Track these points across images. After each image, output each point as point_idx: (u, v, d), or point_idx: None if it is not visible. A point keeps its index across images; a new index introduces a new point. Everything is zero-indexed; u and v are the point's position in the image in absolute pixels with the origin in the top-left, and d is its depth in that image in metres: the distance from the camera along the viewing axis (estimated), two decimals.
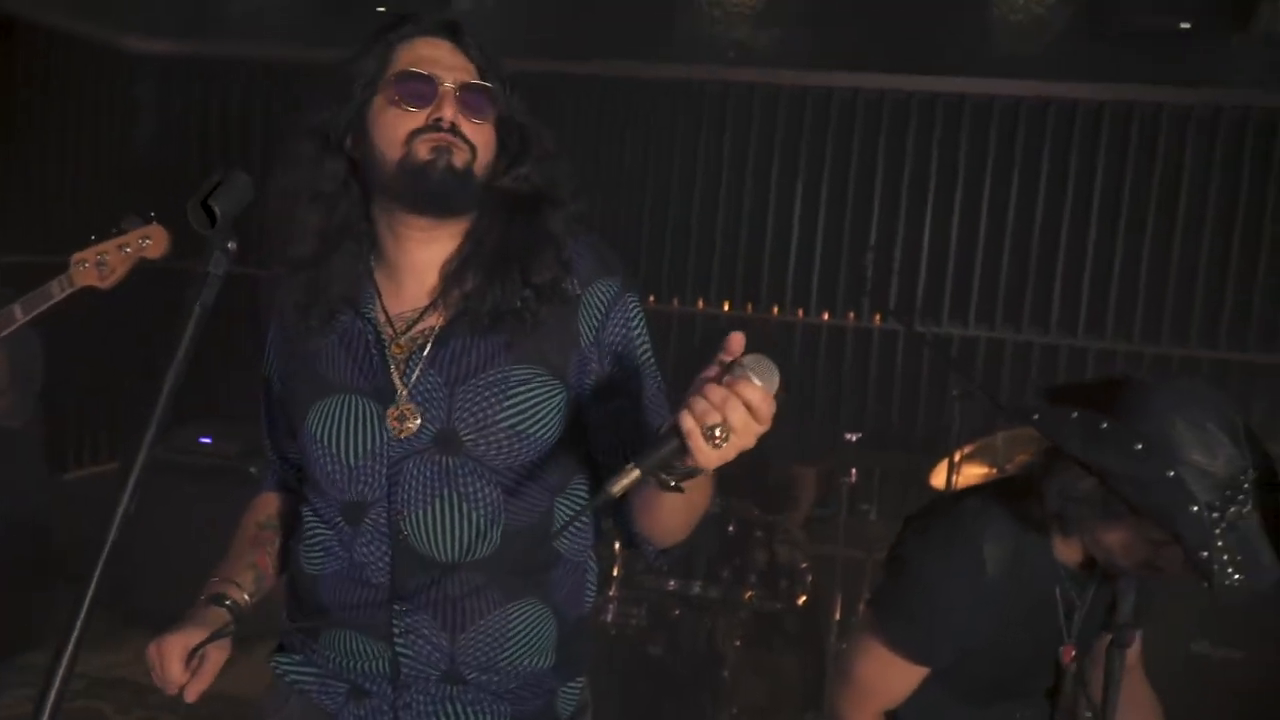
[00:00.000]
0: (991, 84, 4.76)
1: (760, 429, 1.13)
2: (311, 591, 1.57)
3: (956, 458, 3.50)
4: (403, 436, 1.47)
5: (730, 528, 3.42)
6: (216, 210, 1.20)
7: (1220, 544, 1.53)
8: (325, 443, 1.50)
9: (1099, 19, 4.38)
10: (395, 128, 1.43)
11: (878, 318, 4.92)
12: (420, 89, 1.44)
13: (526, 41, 4.95)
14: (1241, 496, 1.55)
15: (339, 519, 1.52)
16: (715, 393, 1.11)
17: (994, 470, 3.56)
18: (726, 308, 5.04)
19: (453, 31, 1.50)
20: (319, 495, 1.55)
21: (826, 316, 5.03)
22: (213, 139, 5.67)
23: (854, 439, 3.75)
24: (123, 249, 2.39)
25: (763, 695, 3.57)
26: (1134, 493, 1.58)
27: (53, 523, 4.66)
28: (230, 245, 1.22)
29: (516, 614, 1.52)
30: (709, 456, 1.12)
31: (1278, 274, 4.63)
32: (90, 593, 1.28)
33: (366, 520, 1.50)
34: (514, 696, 1.56)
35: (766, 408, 1.13)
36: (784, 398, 2.50)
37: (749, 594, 3.40)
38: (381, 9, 4.93)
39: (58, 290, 2.44)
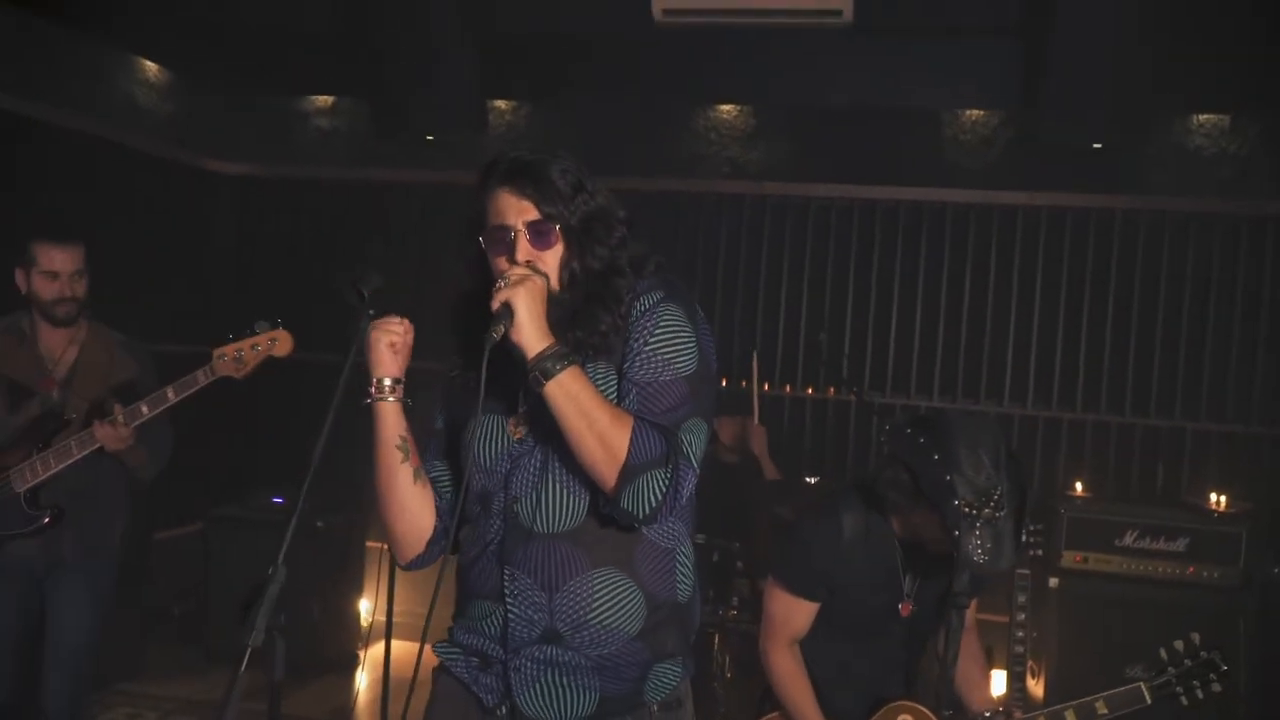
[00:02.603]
0: (945, 193, 5.41)
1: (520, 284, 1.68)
2: (463, 579, 1.92)
3: None
4: (518, 439, 1.84)
5: (715, 557, 3.95)
6: (365, 291, 1.82)
7: (976, 532, 2.23)
8: (474, 447, 1.85)
9: (1032, 137, 5.08)
10: (495, 268, 1.80)
11: (831, 390, 5.52)
12: (501, 236, 1.79)
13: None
14: (993, 503, 2.25)
15: (476, 508, 1.86)
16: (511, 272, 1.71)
17: None
18: (724, 382, 5.55)
19: (513, 179, 1.78)
20: (470, 491, 1.87)
21: (810, 391, 5.62)
22: (286, 247, 6.24)
23: (813, 481, 4.41)
24: (255, 347, 2.85)
25: (749, 705, 4.02)
26: (926, 485, 2.30)
27: (149, 573, 5.35)
28: (370, 314, 1.85)
29: (600, 580, 1.77)
30: (499, 294, 1.67)
31: (1199, 350, 5.28)
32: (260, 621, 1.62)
33: (493, 504, 1.84)
34: (606, 669, 1.78)
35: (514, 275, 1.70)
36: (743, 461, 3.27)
37: (732, 613, 3.91)
38: (430, 137, 5.71)
39: (203, 378, 2.90)
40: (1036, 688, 4.38)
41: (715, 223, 5.69)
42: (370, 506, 5.64)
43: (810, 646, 2.62)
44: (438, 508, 1.94)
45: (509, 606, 1.80)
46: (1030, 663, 4.07)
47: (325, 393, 6.41)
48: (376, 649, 4.33)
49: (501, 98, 5.96)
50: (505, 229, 1.78)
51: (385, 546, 4.09)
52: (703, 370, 1.80)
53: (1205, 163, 5.26)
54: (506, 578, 1.80)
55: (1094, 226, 5.33)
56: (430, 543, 1.93)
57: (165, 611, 5.61)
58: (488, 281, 1.80)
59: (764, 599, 2.68)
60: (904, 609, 2.59)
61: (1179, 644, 2.48)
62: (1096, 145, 4.64)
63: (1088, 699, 2.51)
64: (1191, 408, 5.27)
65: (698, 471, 1.76)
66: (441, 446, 2.00)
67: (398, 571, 2.89)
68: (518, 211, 1.77)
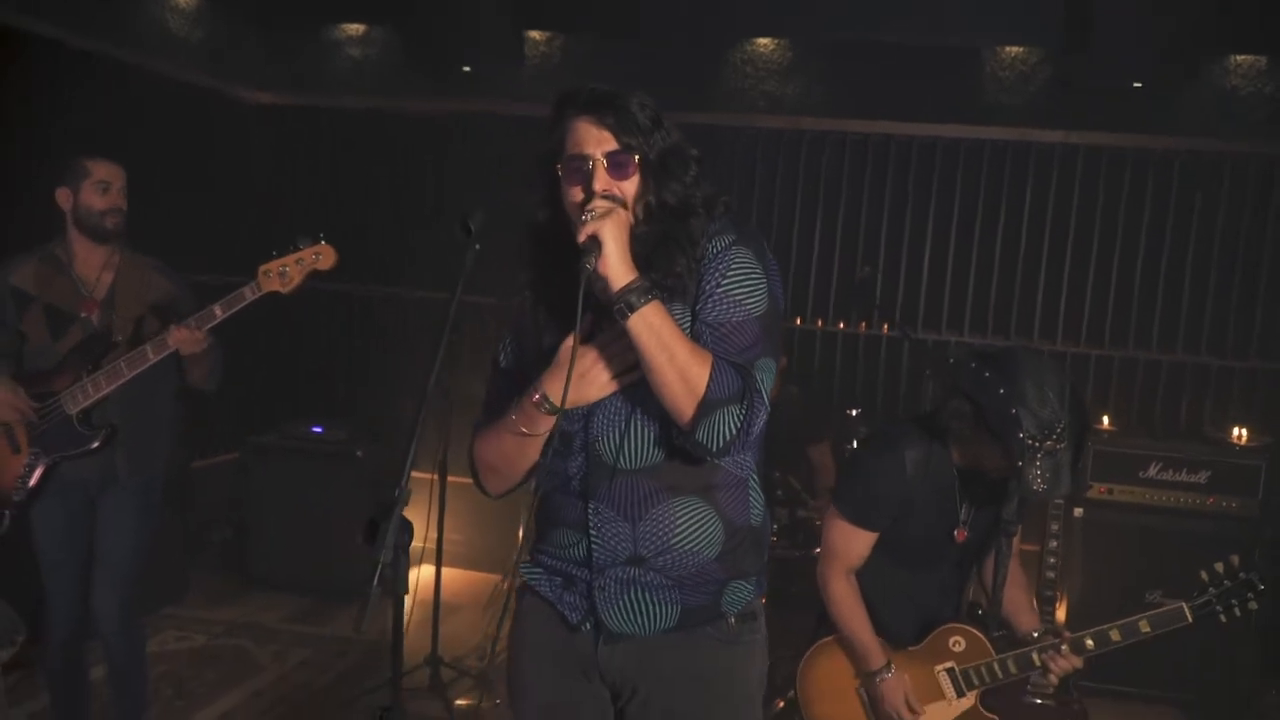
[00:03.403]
0: (982, 130, 5.44)
1: (606, 216, 1.68)
2: (542, 507, 1.95)
3: None
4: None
5: None
6: (472, 226, 1.78)
7: (1037, 462, 2.34)
8: None
9: (1071, 77, 5.11)
10: (570, 198, 1.79)
11: (885, 327, 5.64)
12: (578, 165, 1.78)
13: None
14: (1055, 436, 2.35)
15: (557, 445, 1.85)
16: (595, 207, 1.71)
17: None
18: None
19: (593, 109, 1.78)
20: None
21: (842, 325, 5.74)
22: (318, 178, 6.26)
23: (855, 414, 4.51)
24: (299, 262, 2.90)
25: (779, 628, 4.16)
26: (991, 417, 2.40)
27: (190, 500, 5.45)
28: (477, 248, 1.80)
29: (681, 508, 1.82)
30: (586, 228, 1.67)
31: (1228, 289, 5.36)
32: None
33: (574, 443, 1.86)
34: (685, 585, 1.84)
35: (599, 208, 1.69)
36: (805, 392, 3.36)
37: (772, 539, 4.05)
38: (466, 69, 5.71)
39: (250, 294, 2.92)
40: (1059, 613, 4.52)
41: (751, 158, 5.72)
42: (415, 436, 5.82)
43: (866, 572, 2.73)
44: None
45: (593, 537, 1.85)
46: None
47: (358, 322, 6.55)
48: (414, 574, 4.44)
49: (536, 28, 5.93)
50: (584, 158, 1.77)
51: (434, 477, 4.24)
52: (772, 310, 1.83)
53: (1242, 103, 5.28)
54: (591, 511, 1.85)
55: (1130, 166, 5.36)
56: (524, 475, 1.96)
57: (204, 538, 5.75)
58: (560, 213, 1.82)
59: (824, 529, 2.77)
60: (959, 535, 2.70)
61: (1219, 566, 2.58)
62: (1137, 85, 4.66)
63: (1132, 619, 2.61)
64: (1217, 344, 5.37)
65: (769, 408, 1.78)
66: (513, 385, 1.95)
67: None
68: (597, 141, 1.77)
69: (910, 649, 2.75)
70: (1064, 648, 2.64)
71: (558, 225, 1.83)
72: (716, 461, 1.80)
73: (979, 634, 2.75)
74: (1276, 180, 5.25)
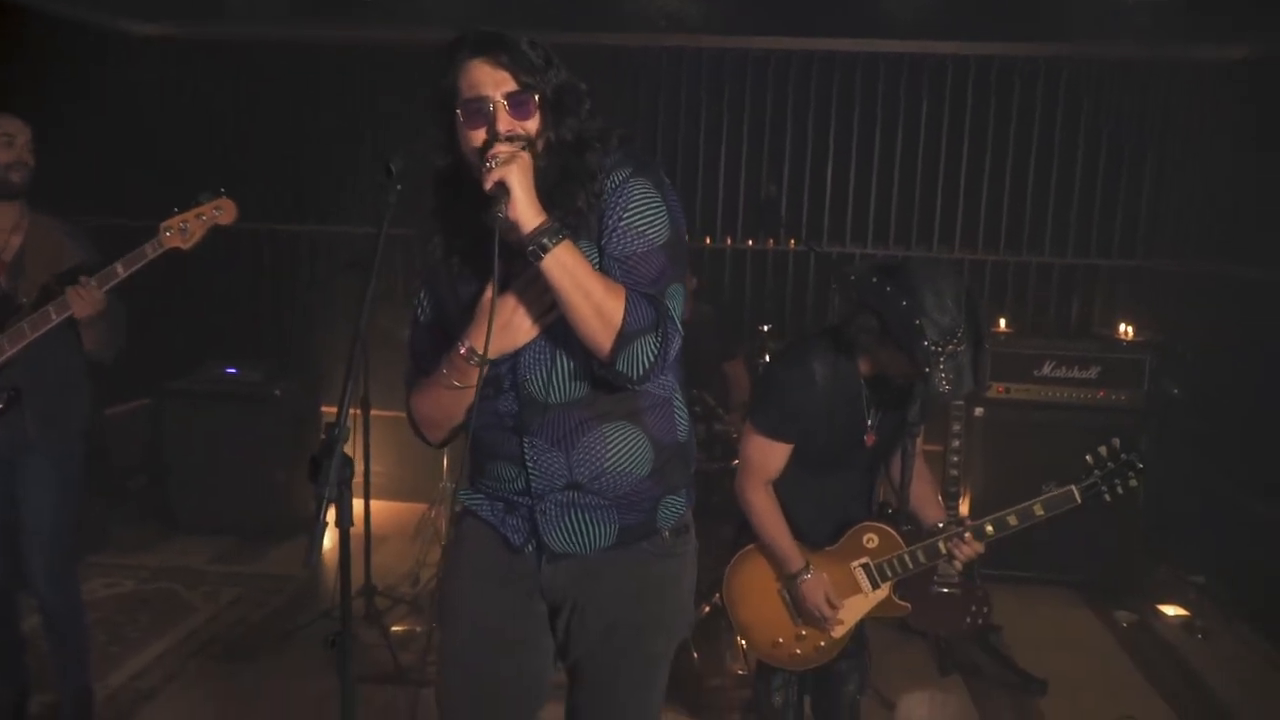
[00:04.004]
0: (879, 44, 5.54)
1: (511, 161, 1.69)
2: (478, 444, 1.98)
3: None
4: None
5: None
6: (393, 168, 1.77)
7: (941, 366, 2.48)
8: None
9: None
10: (471, 142, 1.78)
11: (792, 242, 5.77)
12: (479, 108, 1.77)
13: (481, 14, 5.43)
14: (955, 340, 2.49)
15: (488, 390, 1.89)
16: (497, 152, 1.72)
17: None
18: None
19: (487, 50, 1.77)
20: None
21: (751, 243, 5.84)
22: (215, 112, 6.10)
23: (766, 329, 4.65)
24: (200, 217, 2.89)
25: (701, 537, 4.28)
26: (895, 329, 2.54)
27: (104, 447, 5.34)
28: (399, 188, 1.78)
29: (611, 434, 1.90)
30: (492, 175, 1.67)
31: (1115, 192, 5.60)
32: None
33: (504, 383, 1.91)
34: (622, 505, 1.92)
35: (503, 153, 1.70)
36: (718, 311, 3.44)
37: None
38: None
39: (151, 251, 2.89)
40: (963, 506, 4.77)
41: (654, 78, 5.75)
42: (327, 373, 5.75)
43: (783, 480, 2.85)
44: None
45: (530, 470, 1.92)
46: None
47: (266, 261, 6.47)
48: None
49: None
50: (483, 99, 1.76)
51: (357, 411, 4.27)
52: (675, 238, 1.87)
53: (1128, 10, 5.44)
54: (526, 445, 1.91)
55: (1019, 75, 5.55)
56: (455, 428, 2.02)
57: (123, 486, 5.68)
58: (461, 157, 1.82)
59: (741, 443, 2.88)
60: (869, 440, 2.85)
61: (1102, 449, 2.73)
62: None
63: (1026, 504, 2.76)
64: (1105, 246, 5.64)
65: (682, 333, 1.85)
66: (435, 339, 1.99)
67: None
68: (495, 83, 1.76)
69: (827, 549, 2.91)
70: (967, 535, 2.82)
71: (459, 170, 1.84)
72: (638, 387, 1.85)
73: (890, 530, 2.91)
74: (1159, 85, 5.48)
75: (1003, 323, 5.34)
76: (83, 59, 5.54)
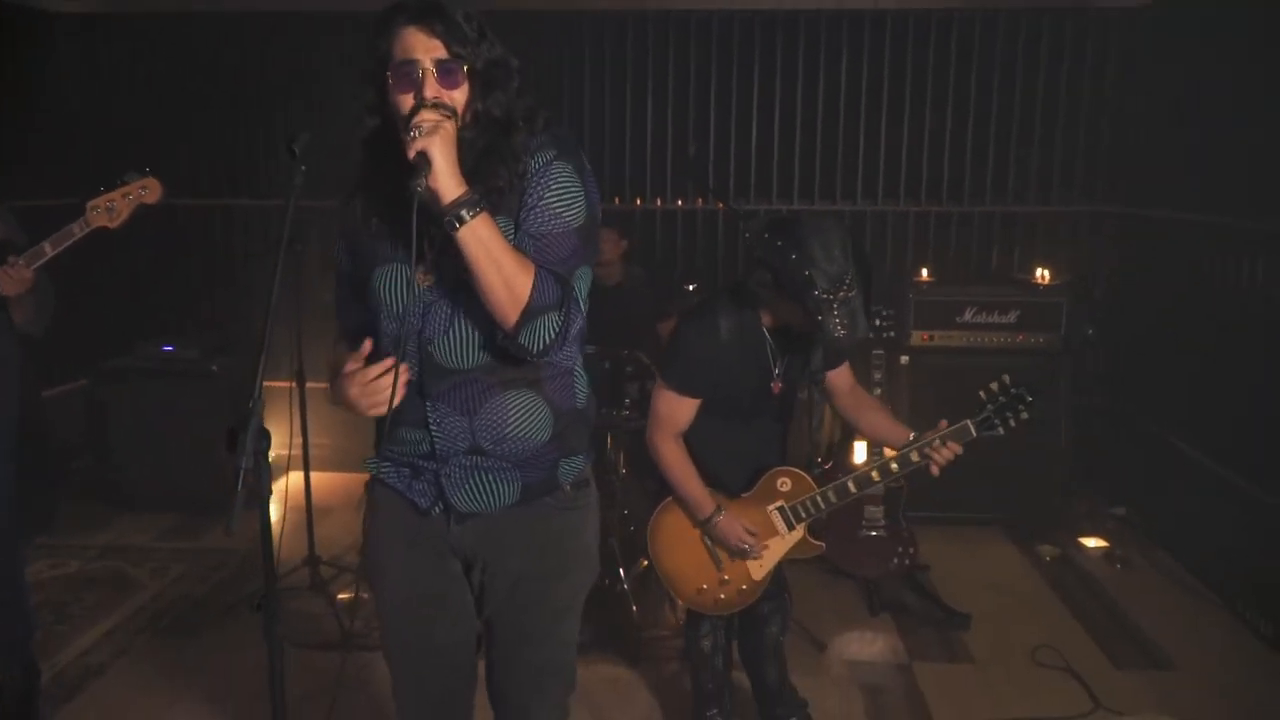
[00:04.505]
0: (795, 1, 5.61)
1: (434, 132, 1.74)
2: None
3: None
4: (426, 286, 1.94)
5: (606, 365, 4.27)
6: (296, 149, 1.83)
7: (834, 313, 2.63)
8: (383, 296, 1.96)
9: None
10: (399, 106, 1.84)
11: (720, 204, 5.84)
12: (408, 72, 1.82)
13: None
14: (845, 286, 2.63)
15: (392, 350, 1.92)
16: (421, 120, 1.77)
17: None
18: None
19: (422, 18, 1.81)
20: (383, 336, 1.98)
21: (680, 203, 5.92)
22: (136, 88, 6.05)
23: (692, 288, 4.75)
24: (126, 196, 2.95)
25: (641, 496, 4.22)
26: (787, 282, 2.68)
27: (46, 430, 5.34)
28: (303, 169, 1.84)
29: (513, 401, 1.97)
30: (415, 144, 1.72)
31: (1029, 141, 5.73)
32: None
33: (408, 347, 1.95)
34: (523, 466, 2.00)
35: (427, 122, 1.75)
36: (649, 272, 3.53)
37: (624, 414, 4.27)
38: None
39: (78, 230, 2.95)
40: (892, 453, 4.94)
41: (577, 42, 5.78)
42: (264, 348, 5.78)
43: (697, 433, 2.97)
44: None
45: (434, 433, 1.98)
46: None
47: (195, 236, 6.43)
48: (284, 481, 4.56)
49: None
50: (413, 64, 1.82)
51: (293, 384, 4.32)
52: (590, 222, 1.94)
53: None
54: (429, 409, 1.97)
55: (934, 28, 5.65)
56: None
57: (65, 466, 5.69)
58: (389, 123, 1.87)
59: (653, 398, 3.00)
60: (775, 388, 2.99)
61: (994, 385, 2.87)
62: None
63: (928, 437, 2.89)
64: (1021, 193, 5.80)
65: (584, 313, 1.95)
66: (355, 289, 2.08)
67: None
68: (426, 49, 1.82)
69: (744, 496, 3.04)
70: (874, 473, 2.94)
71: (387, 132, 1.88)
72: (537, 360, 1.92)
73: (801, 473, 3.04)
74: (1068, 31, 5.62)
75: (925, 272, 5.49)
76: (1, 38, 5.46)
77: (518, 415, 1.99)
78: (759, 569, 3.06)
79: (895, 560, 4.42)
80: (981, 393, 2.87)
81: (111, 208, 2.94)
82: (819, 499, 2.99)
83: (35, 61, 5.76)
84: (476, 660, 2.24)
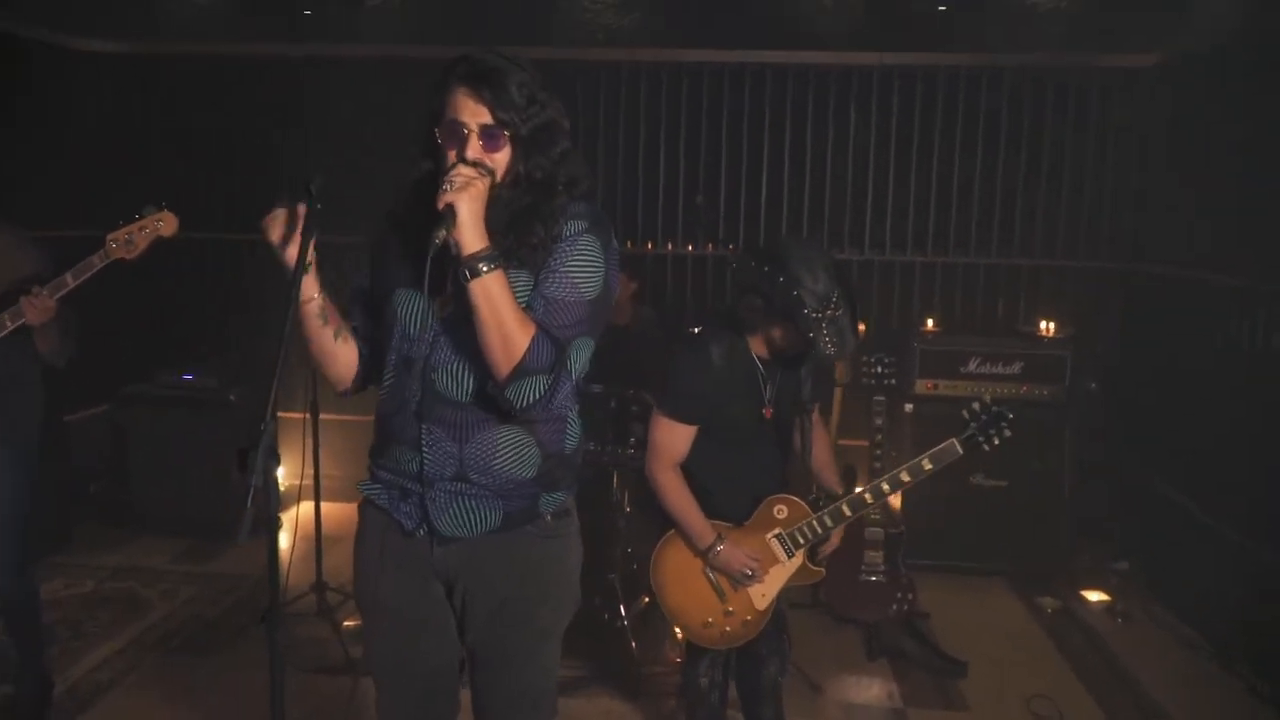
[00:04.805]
0: (807, 55, 5.76)
1: (464, 188, 1.86)
2: (382, 424, 2.15)
3: None
4: (443, 317, 2.04)
5: (612, 404, 4.35)
6: (313, 189, 1.98)
7: (824, 330, 2.75)
8: (400, 316, 2.08)
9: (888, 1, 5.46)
10: (445, 158, 1.97)
11: (731, 247, 5.97)
12: (455, 130, 1.96)
13: (422, 29, 5.69)
14: (832, 304, 2.76)
15: (400, 369, 2.07)
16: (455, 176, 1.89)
17: None
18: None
19: (473, 81, 1.94)
20: (392, 353, 2.10)
21: (690, 248, 6.01)
22: (161, 125, 6.24)
23: (698, 331, 4.81)
24: (143, 230, 3.07)
25: (645, 534, 4.35)
26: (778, 304, 2.80)
27: (66, 453, 5.44)
28: (317, 206, 1.98)
29: (504, 436, 2.06)
30: (444, 197, 1.84)
31: (1034, 194, 5.84)
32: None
33: (415, 368, 2.06)
34: (505, 496, 2.08)
35: (460, 178, 1.88)
36: (659, 314, 3.68)
37: (629, 452, 4.31)
38: (307, 11, 5.73)
39: (98, 261, 3.09)
40: (895, 500, 4.99)
41: (592, 90, 5.94)
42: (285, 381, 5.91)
43: (696, 461, 3.03)
44: (362, 356, 2.21)
45: (425, 455, 2.06)
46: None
47: (218, 269, 6.61)
48: (294, 510, 4.64)
49: None
50: (460, 125, 1.95)
51: (306, 415, 4.42)
52: (603, 297, 2.05)
53: (1041, 20, 5.70)
54: (424, 431, 2.06)
55: (942, 84, 5.78)
56: (354, 380, 2.23)
57: (83, 489, 5.80)
58: (439, 168, 1.98)
59: (650, 429, 3.07)
60: (767, 413, 3.07)
61: (975, 405, 3.01)
62: (942, 8, 5.03)
63: (916, 460, 3.00)
64: (1026, 247, 5.89)
65: (575, 382, 2.04)
66: (366, 304, 2.20)
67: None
68: (473, 112, 1.94)
69: (745, 524, 3.07)
70: (866, 495, 3.01)
71: (435, 178, 1.98)
72: (518, 415, 2.01)
73: (796, 500, 3.08)
74: (1074, 90, 5.74)
75: (930, 322, 5.57)
76: (33, 75, 5.66)
77: (506, 450, 2.07)
78: (762, 599, 3.08)
79: (894, 605, 4.46)
80: (965, 412, 3.01)
81: (130, 240, 3.07)
82: (815, 524, 3.04)
83: (65, 97, 5.92)
84: (460, 685, 2.30)
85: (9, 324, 3.14)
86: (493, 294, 1.89)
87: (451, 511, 2.09)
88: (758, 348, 3.00)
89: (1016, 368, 5.27)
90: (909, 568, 4.53)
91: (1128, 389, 5.58)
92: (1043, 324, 5.46)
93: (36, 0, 5.63)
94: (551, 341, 1.96)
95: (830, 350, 2.76)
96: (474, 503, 2.08)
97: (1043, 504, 5.22)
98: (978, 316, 5.93)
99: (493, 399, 2.01)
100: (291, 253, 1.96)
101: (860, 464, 4.48)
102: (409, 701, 2.24)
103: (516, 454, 2.08)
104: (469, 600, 2.17)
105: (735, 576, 3.04)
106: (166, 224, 3.11)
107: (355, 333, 2.21)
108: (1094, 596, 5.11)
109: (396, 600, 2.18)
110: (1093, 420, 5.58)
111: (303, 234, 1.96)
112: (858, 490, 3.05)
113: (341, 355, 2.17)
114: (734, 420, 3.01)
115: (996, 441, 2.94)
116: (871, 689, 4.17)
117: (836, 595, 4.54)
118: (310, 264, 2.01)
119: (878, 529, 4.45)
